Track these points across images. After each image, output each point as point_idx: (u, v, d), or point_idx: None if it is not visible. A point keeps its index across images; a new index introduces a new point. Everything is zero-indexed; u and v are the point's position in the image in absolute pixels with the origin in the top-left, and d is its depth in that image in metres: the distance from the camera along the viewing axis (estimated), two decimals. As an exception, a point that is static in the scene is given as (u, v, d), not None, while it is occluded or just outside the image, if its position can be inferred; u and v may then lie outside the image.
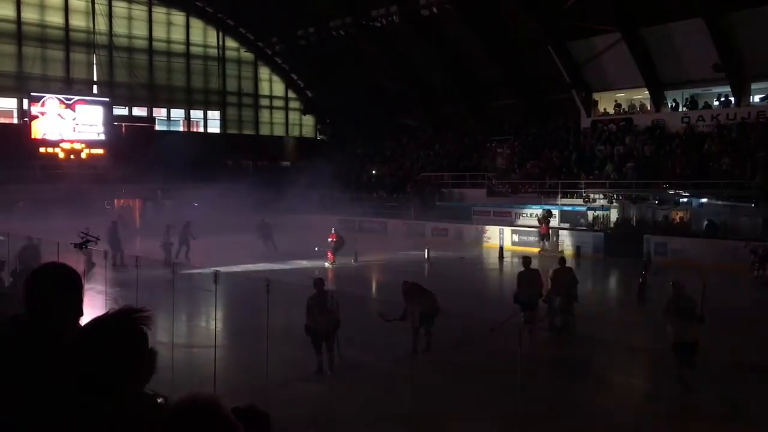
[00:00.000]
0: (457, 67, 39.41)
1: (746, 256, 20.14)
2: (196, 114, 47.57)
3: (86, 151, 39.88)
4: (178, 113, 46.84)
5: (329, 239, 24.11)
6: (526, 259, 14.10)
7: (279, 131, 51.34)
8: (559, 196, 30.36)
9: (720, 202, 25.51)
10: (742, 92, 29.57)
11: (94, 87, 42.70)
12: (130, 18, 43.69)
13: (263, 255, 25.07)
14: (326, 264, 23.35)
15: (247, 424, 1.95)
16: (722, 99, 30.62)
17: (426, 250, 25.17)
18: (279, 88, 51.02)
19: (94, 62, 42.53)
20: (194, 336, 13.25)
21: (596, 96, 34.98)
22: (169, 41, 45.40)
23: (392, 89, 43.83)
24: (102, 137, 40.52)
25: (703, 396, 9.85)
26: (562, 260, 14.47)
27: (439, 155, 40.12)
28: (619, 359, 12.55)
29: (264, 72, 50.07)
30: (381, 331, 11.90)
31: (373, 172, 42.46)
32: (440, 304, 12.12)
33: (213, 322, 12.16)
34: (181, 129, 46.66)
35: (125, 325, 2.07)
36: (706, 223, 24.85)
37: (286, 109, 51.55)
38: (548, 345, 12.91)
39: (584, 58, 33.39)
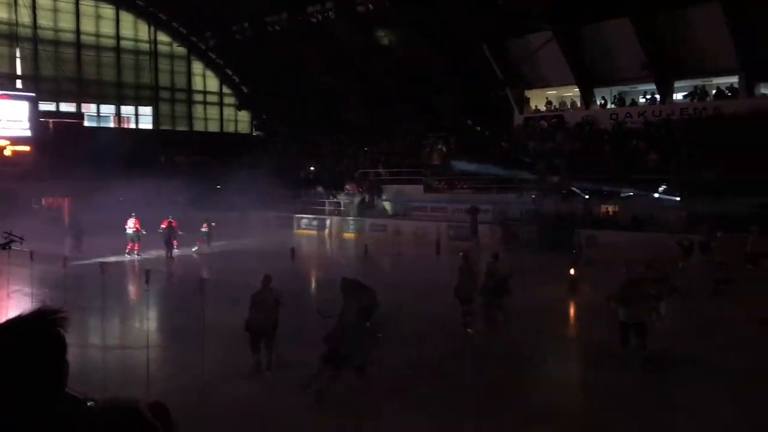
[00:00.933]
0: (395, 64, 39.53)
1: (674, 248, 20.95)
2: (127, 110, 46.33)
3: (11, 148, 38.28)
4: (108, 109, 45.53)
5: (203, 228, 25.10)
6: (463, 254, 14.35)
7: (213, 127, 50.52)
8: (494, 191, 30.87)
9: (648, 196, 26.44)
10: (666, 90, 30.74)
11: (18, 82, 41.07)
12: (55, 10, 42.18)
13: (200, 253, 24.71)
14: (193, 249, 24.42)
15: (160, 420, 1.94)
16: (648, 96, 31.76)
17: (364, 245, 25.23)
18: (213, 83, 50.18)
19: (18, 56, 40.89)
20: (127, 337, 12.93)
21: (528, 93, 35.75)
22: (98, 35, 44.05)
23: (331, 85, 43.67)
24: (28, 134, 38.94)
25: (634, 382, 10.24)
26: (496, 254, 14.77)
27: (378, 151, 40.20)
28: (555, 349, 12.86)
29: (197, 67, 49.17)
30: (319, 328, 11.87)
31: (316, 167, 42.20)
32: (379, 299, 12.16)
33: (146, 322, 11.88)
34: (111, 125, 45.34)
35: (40, 327, 1.92)
36: (633, 216, 25.74)
37: (221, 104, 50.77)
38: (485, 337, 13.12)
39: (518, 55, 34.05)
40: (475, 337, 12.75)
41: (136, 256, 23.68)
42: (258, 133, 52.20)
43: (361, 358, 9.62)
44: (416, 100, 40.76)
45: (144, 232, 23.99)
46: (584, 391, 10.35)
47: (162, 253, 23.59)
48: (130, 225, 24.05)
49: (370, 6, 33.55)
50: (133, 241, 24.00)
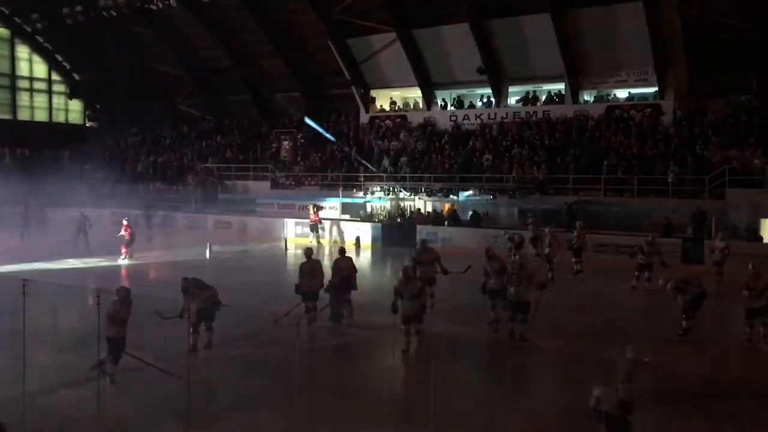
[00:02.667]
0: (240, 57, 38.70)
1: (505, 243, 22.23)
2: (-62, 94, 41.73)
3: None
4: None
5: (122, 232, 22.79)
6: (307, 251, 14.36)
7: (41, 116, 46.72)
8: (341, 188, 31.17)
9: (483, 196, 27.88)
10: (501, 94, 32.54)
11: None
12: None
13: (61, 252, 22.82)
14: (121, 260, 22.21)
15: None
16: (484, 100, 33.43)
17: (208, 244, 24.49)
18: (41, 69, 46.39)
19: None
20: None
21: (374, 93, 36.38)
22: None
23: (171, 76, 41.94)
24: None
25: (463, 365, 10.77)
26: (342, 250, 14.93)
27: (222, 146, 39.16)
28: (398, 342, 13.18)
29: (22, 51, 45.24)
30: (158, 330, 11.38)
31: (155, 160, 40.27)
32: (220, 299, 11.89)
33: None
34: None
35: None
36: (470, 213, 27.05)
37: (50, 92, 47.02)
38: (329, 333, 13.21)
39: (363, 55, 34.53)
40: (317, 332, 12.84)
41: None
42: (92, 123, 48.99)
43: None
44: (262, 95, 40.19)
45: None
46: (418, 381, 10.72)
47: None
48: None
49: (214, -4, 32.58)
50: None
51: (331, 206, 30.23)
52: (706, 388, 10.14)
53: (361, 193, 30.63)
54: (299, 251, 23.34)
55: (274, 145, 36.81)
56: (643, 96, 29.83)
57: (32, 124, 45.65)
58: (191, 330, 11.20)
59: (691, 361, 11.46)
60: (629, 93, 30.39)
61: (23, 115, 45.70)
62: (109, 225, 28.78)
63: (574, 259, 20.00)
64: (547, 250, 19.70)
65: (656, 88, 28.95)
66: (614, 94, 30.64)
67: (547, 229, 20.74)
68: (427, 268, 14.34)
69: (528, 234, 21.80)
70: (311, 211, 28.29)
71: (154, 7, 34.64)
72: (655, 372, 9.84)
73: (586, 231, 20.81)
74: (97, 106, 48.19)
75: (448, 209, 27.92)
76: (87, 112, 48.86)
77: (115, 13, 35.79)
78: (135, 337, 10.85)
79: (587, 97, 31.18)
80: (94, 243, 24.12)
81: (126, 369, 10.10)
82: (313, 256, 14.21)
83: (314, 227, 27.99)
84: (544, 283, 12.98)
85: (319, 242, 27.40)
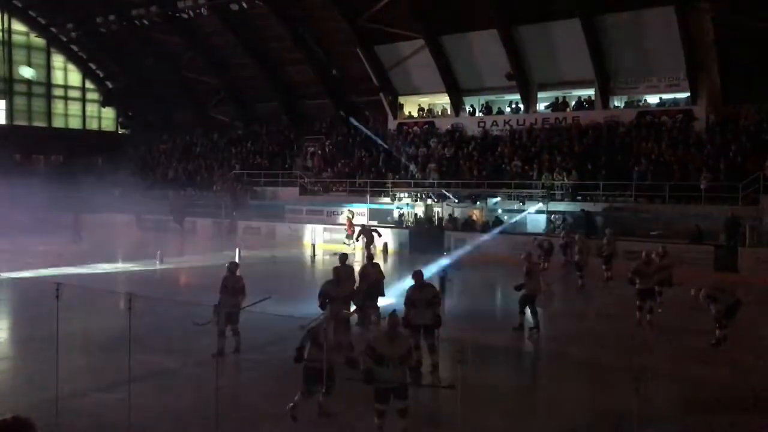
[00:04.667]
0: (270, 65, 39.05)
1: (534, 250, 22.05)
2: (-23, 103, 42.72)
3: None
4: (-46, 101, 41.78)
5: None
6: (342, 256, 14.25)
7: (75, 124, 47.62)
8: (368, 195, 31.20)
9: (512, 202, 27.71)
10: (529, 100, 32.32)
11: None
12: None
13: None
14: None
15: None
16: (513, 106, 33.24)
17: (237, 249, 24.66)
18: (75, 77, 47.30)
19: None
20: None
21: (402, 99, 36.40)
22: (-58, 20, 40.35)
23: (202, 83, 42.42)
24: None
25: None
26: (370, 257, 14.89)
27: (252, 152, 39.48)
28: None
29: (58, 60, 46.18)
30: (185, 335, 11.48)
31: (186, 166, 40.74)
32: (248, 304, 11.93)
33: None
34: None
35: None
36: (494, 219, 26.89)
37: (84, 100, 47.91)
38: (357, 338, 13.14)
39: (391, 62, 34.58)
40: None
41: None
42: (124, 130, 49.77)
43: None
44: (291, 102, 40.43)
45: None
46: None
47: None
48: None
49: (244, 4, 32.88)
50: None
51: (359, 212, 30.26)
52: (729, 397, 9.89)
53: (388, 200, 30.60)
54: (327, 257, 23.43)
55: (309, 149, 36.98)
56: (675, 101, 29.41)
57: (66, 132, 46.53)
58: (219, 334, 11.32)
59: (721, 371, 11.19)
60: (660, 98, 29.98)
61: (58, 122, 46.59)
62: (139, 230, 29.20)
63: (604, 267, 19.70)
64: (577, 257, 19.46)
65: (688, 94, 28.51)
66: (645, 100, 30.27)
67: (577, 236, 20.50)
68: (422, 311, 10.62)
69: (559, 241, 21.60)
70: (349, 217, 28.27)
71: (185, 16, 35.10)
72: (679, 382, 9.70)
73: (617, 238, 20.53)
74: (130, 114, 48.93)
75: (476, 216, 27.79)
76: (120, 120, 49.64)
77: (147, 22, 36.37)
78: (164, 339, 10.93)
79: (618, 102, 30.82)
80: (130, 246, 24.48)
81: (156, 373, 10.19)
82: (348, 262, 14.17)
83: (349, 236, 27.91)
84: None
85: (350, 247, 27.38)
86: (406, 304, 10.65)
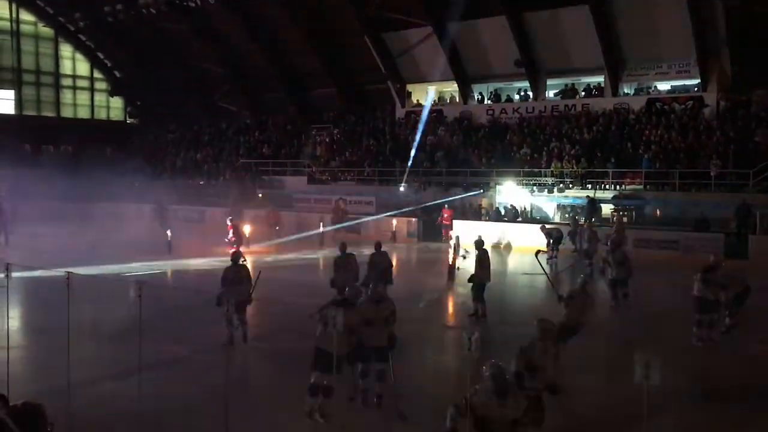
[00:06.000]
0: (277, 53, 38.95)
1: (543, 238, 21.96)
2: (-14, 93, 42.86)
3: None
4: (-37, 92, 41.94)
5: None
6: (342, 245, 14.28)
7: (84, 113, 47.70)
8: (376, 183, 31.16)
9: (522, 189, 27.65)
10: (538, 88, 32.15)
11: None
12: None
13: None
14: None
15: (25, 420, 1.81)
16: (522, 93, 33.08)
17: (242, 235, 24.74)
18: (83, 67, 47.34)
19: None
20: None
21: (410, 87, 36.29)
22: (-50, 10, 40.44)
23: (209, 73, 42.39)
24: None
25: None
26: (378, 244, 14.78)
27: (260, 142, 39.52)
28: (435, 336, 13.13)
29: (66, 49, 46.21)
30: (194, 323, 11.54)
31: (194, 156, 40.80)
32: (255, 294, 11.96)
33: (6, 320, 11.05)
34: (-33, 109, 41.85)
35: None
36: (504, 208, 26.84)
37: (92, 89, 47.95)
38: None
39: (399, 49, 34.46)
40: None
41: None
42: (132, 120, 49.87)
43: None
44: (298, 91, 40.36)
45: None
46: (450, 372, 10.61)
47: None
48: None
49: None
50: None
51: (367, 201, 30.25)
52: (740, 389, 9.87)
53: (398, 188, 30.49)
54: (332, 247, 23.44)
55: (316, 138, 36.95)
56: (685, 88, 29.18)
57: (75, 121, 46.62)
58: (227, 323, 11.38)
59: (729, 363, 11.15)
60: (671, 85, 29.77)
61: (66, 112, 46.70)
62: (147, 220, 29.30)
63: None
64: (585, 246, 19.38)
65: (698, 80, 28.28)
66: (655, 87, 30.08)
67: (586, 224, 20.43)
68: (377, 329, 8.69)
69: (568, 228, 21.52)
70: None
71: (193, 5, 35.02)
72: (689, 373, 9.68)
73: (626, 226, 20.46)
74: (138, 103, 49.00)
75: (482, 204, 27.76)
76: (128, 109, 49.73)
77: (154, 11, 36.29)
78: (174, 328, 10.98)
79: (627, 89, 30.63)
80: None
81: (166, 362, 10.27)
82: (348, 251, 14.16)
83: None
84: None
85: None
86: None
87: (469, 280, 14.02)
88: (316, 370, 8.21)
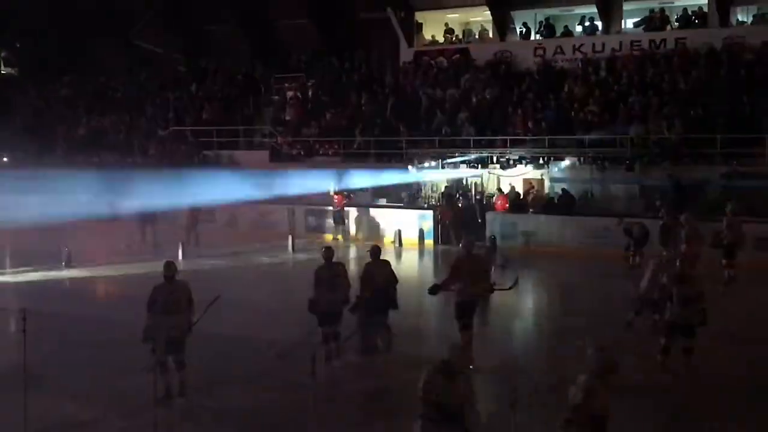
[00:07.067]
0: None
1: (620, 238, 22.01)
2: None
3: None
4: None
5: None
6: (326, 251, 14.17)
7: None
8: (372, 159, 31.16)
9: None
10: (611, 14, 32.12)
11: None
12: None
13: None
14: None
15: None
16: (587, 24, 33.07)
17: (180, 243, 24.95)
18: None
19: None
20: None
21: (420, 17, 36.21)
22: None
23: (121, 2, 42.32)
24: None
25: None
26: (376, 251, 14.71)
27: (200, 99, 39.46)
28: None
29: None
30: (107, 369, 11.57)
31: (100, 121, 40.87)
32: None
33: None
34: None
35: None
36: (560, 194, 26.96)
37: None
38: (357, 373, 13.26)
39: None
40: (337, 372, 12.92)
41: None
42: (8, 69, 49.93)
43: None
44: (254, 25, 40.31)
45: None
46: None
47: None
48: None
49: None
50: None
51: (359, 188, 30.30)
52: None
53: (403, 165, 30.52)
54: (310, 253, 23.58)
55: (274, 97, 36.94)
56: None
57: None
58: (158, 368, 11.15)
59: None
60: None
61: None
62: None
63: (724, 261, 19.63)
64: (683, 248, 19.39)
65: None
66: (784, 12, 30.18)
67: (683, 217, 20.44)
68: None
69: (655, 224, 21.57)
70: (332, 192, 28.48)
71: None
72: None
73: (742, 219, 20.47)
74: (17, 45, 49.00)
75: (533, 187, 27.91)
76: (2, 54, 49.74)
77: None
78: (75, 377, 11.03)
79: (742, 16, 30.67)
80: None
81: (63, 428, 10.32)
82: (335, 259, 14.20)
83: (339, 216, 28.12)
84: None
85: (342, 238, 27.70)
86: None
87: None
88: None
